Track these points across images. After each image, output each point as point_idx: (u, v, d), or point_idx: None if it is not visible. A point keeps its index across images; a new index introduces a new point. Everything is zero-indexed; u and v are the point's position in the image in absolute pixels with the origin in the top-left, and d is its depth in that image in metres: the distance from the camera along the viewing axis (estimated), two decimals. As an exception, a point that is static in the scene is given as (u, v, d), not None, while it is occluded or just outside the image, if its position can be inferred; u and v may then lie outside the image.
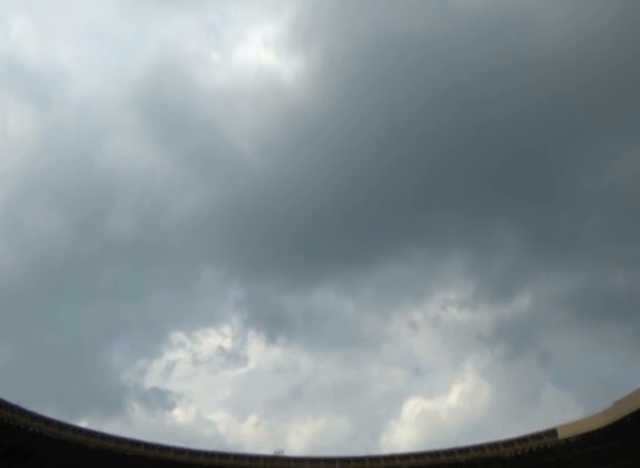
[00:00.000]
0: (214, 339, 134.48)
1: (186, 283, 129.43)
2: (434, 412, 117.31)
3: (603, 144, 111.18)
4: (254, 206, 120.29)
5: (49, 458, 51.51)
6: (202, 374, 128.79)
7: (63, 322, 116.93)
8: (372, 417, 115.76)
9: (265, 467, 62.21)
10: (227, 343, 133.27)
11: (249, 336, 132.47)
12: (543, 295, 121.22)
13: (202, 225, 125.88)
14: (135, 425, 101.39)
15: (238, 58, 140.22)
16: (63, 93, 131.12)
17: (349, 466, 62.51)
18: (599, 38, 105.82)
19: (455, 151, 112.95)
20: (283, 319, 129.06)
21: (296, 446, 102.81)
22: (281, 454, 63.47)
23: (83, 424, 59.97)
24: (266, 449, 65.50)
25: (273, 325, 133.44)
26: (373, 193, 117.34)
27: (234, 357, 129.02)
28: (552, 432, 52.73)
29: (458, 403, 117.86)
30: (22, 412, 48.67)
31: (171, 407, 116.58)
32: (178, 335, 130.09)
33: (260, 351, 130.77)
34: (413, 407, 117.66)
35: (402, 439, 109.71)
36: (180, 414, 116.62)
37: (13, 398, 47.57)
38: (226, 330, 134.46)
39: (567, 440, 50.87)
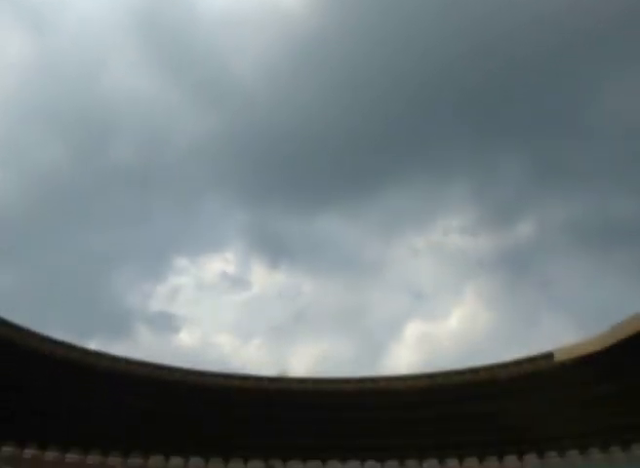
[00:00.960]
0: (217, 264, 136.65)
1: (190, 208, 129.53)
2: (434, 336, 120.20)
3: (606, 71, 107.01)
4: (257, 131, 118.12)
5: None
6: (206, 299, 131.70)
7: (67, 246, 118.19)
8: (373, 341, 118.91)
9: (270, 387, 64.09)
10: (231, 268, 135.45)
11: (252, 262, 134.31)
12: (548, 222, 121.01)
13: (205, 151, 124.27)
14: (142, 348, 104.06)
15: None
16: (61, 14, 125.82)
17: (351, 386, 64.30)
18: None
19: (460, 81, 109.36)
20: (286, 244, 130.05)
21: (298, 368, 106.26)
22: (285, 375, 65.57)
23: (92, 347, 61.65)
24: (270, 371, 67.83)
25: (276, 250, 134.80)
26: (378, 118, 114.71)
27: (238, 281, 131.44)
28: (549, 355, 53.07)
29: (457, 327, 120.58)
30: (32, 334, 49.75)
31: (177, 330, 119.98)
32: (182, 261, 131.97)
33: (263, 276, 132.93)
34: (413, 330, 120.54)
35: (402, 361, 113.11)
36: (185, 337, 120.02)
37: (19, 321, 48.51)
38: (230, 255, 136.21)
39: (563, 363, 51.28)
